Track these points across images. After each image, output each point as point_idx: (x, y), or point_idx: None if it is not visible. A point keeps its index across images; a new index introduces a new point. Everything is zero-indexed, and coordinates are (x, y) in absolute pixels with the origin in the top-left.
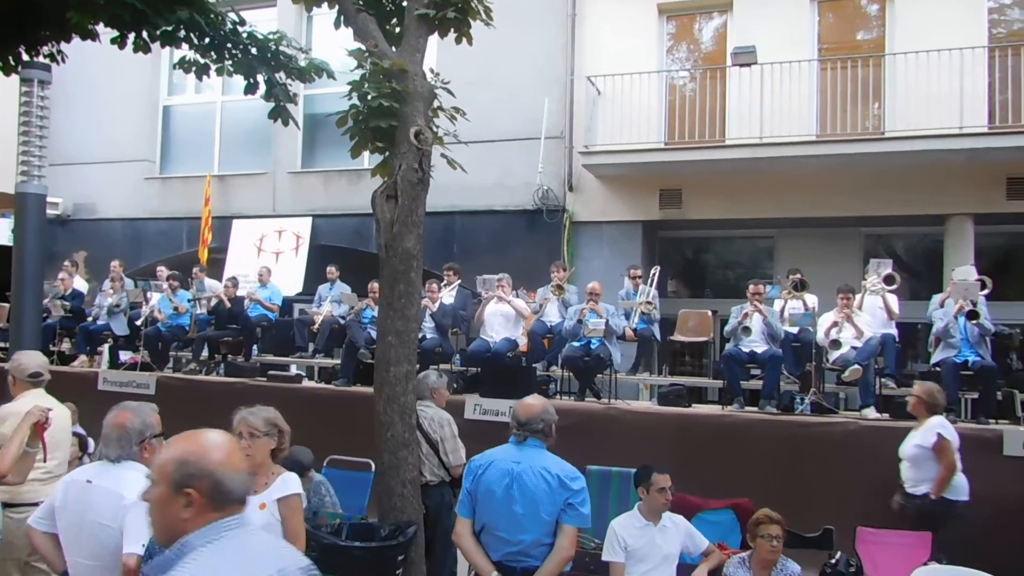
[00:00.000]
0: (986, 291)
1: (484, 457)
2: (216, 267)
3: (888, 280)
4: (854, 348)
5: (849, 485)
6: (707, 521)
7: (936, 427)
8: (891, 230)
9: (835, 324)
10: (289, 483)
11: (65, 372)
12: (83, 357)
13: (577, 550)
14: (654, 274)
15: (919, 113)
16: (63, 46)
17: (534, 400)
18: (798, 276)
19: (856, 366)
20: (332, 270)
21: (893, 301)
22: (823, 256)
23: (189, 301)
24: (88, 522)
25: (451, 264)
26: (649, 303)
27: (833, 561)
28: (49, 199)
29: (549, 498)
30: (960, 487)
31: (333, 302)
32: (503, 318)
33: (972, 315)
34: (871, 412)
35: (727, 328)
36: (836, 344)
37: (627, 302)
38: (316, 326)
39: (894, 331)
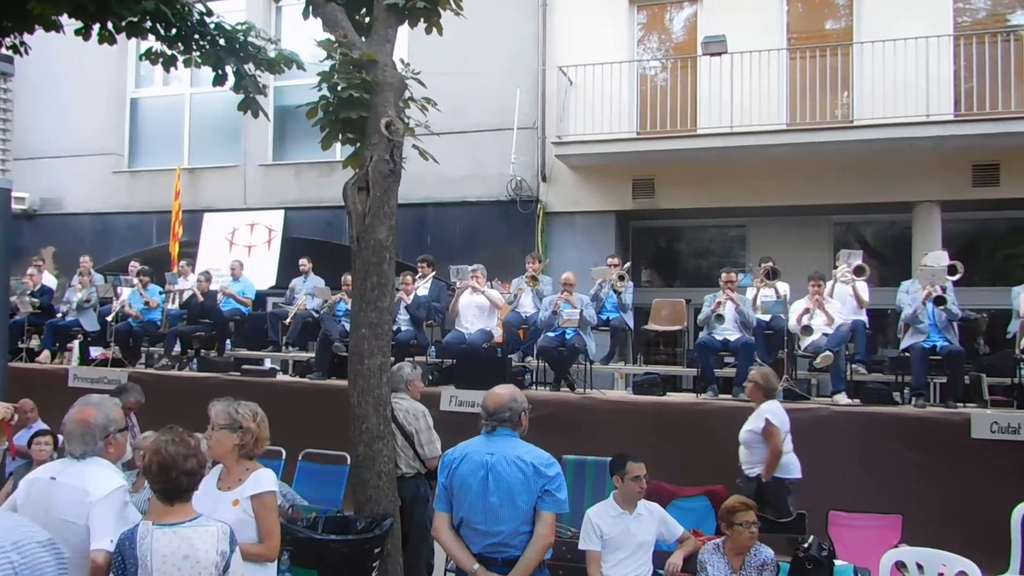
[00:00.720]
0: (957, 276)
1: (458, 450)
2: (186, 259)
3: (858, 271)
4: (825, 335)
5: (821, 470)
6: (682, 508)
7: (765, 412)
8: (860, 217)
9: (806, 311)
10: (263, 480)
11: (34, 369)
12: (46, 353)
13: (554, 538)
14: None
15: (887, 101)
16: (26, 37)
17: (502, 389)
18: (770, 264)
19: (827, 352)
20: (305, 263)
21: (863, 289)
22: (794, 244)
23: (160, 294)
24: (52, 519)
25: (425, 256)
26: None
27: (806, 545)
28: (15, 194)
29: (525, 487)
30: (791, 466)
31: (306, 295)
32: (477, 309)
33: (939, 301)
34: (842, 398)
35: (700, 316)
36: (808, 331)
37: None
38: (289, 319)
39: (864, 318)
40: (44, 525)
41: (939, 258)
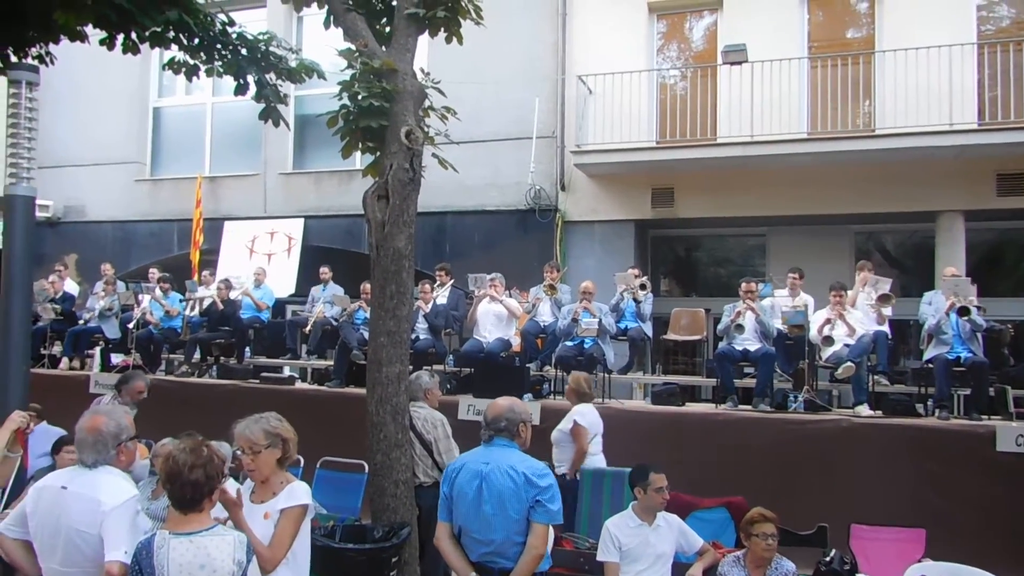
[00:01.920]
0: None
1: (459, 460)
2: (208, 269)
3: (883, 299)
4: (847, 345)
5: (843, 482)
6: (701, 520)
7: (575, 414)
8: (882, 227)
9: (827, 321)
10: (296, 493)
11: (56, 375)
12: (66, 360)
13: (572, 550)
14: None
15: (909, 110)
16: (51, 47)
17: (502, 400)
18: (799, 283)
19: (849, 363)
20: (325, 271)
21: (886, 311)
22: (815, 253)
23: (181, 303)
24: (64, 528)
25: (443, 264)
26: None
27: (828, 559)
28: (39, 201)
29: (516, 496)
30: (596, 466)
31: (325, 303)
32: (496, 318)
33: (963, 311)
34: (864, 409)
35: (720, 326)
36: (829, 341)
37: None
38: (308, 327)
39: (886, 328)
40: (56, 534)
41: (962, 287)
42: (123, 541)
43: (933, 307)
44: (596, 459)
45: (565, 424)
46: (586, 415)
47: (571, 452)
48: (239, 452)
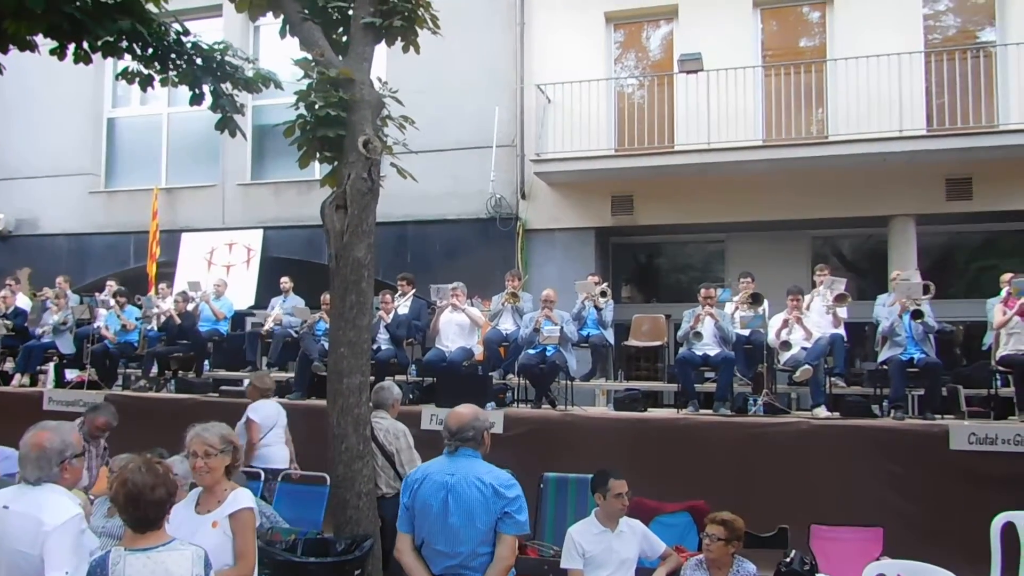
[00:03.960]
0: (929, 295)
1: (420, 471)
2: (165, 281)
3: (839, 299)
4: (804, 349)
5: (802, 483)
6: (664, 524)
7: (249, 410)
8: (838, 232)
9: (785, 324)
10: (240, 498)
11: (8, 392)
12: (18, 376)
13: (536, 558)
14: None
15: (861, 117)
16: (1, 57)
17: (464, 409)
18: (749, 280)
19: (806, 366)
20: (285, 281)
21: (842, 312)
22: (773, 258)
23: (137, 319)
24: (5, 549)
25: (404, 274)
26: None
27: (788, 559)
28: None
29: (484, 508)
30: (270, 457)
31: (285, 314)
32: (458, 327)
33: (917, 314)
34: (822, 411)
35: (680, 332)
36: (787, 345)
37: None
38: (266, 328)
39: (842, 331)
40: None
41: (911, 276)
42: (65, 561)
43: (887, 309)
44: (268, 451)
45: (242, 419)
46: (259, 410)
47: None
48: (190, 456)
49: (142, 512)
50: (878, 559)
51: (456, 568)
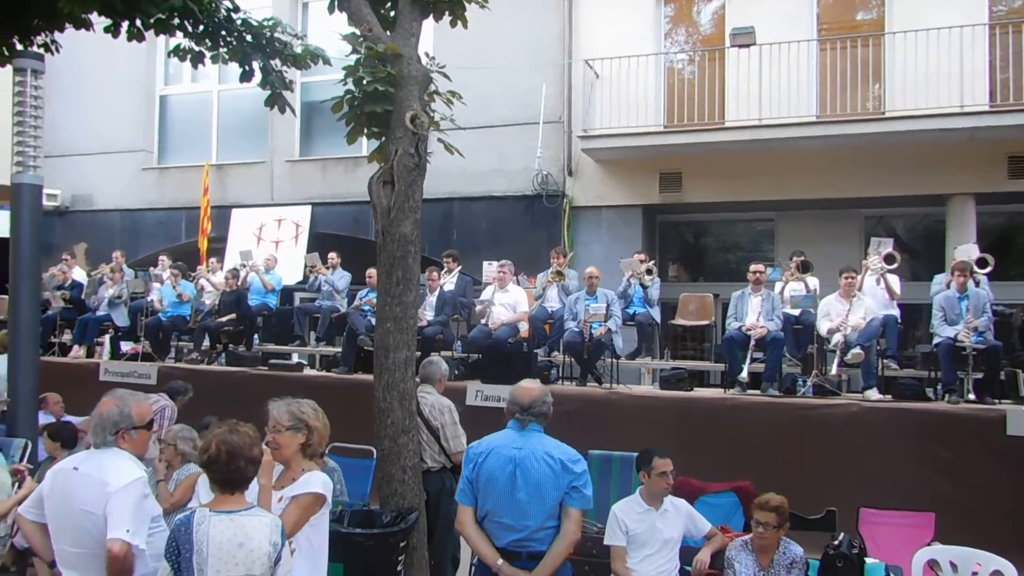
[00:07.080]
0: (988, 269)
1: (483, 444)
2: (216, 256)
3: (888, 259)
4: (854, 330)
5: (852, 466)
6: (709, 504)
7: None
8: (892, 211)
9: (837, 328)
10: (310, 482)
11: (66, 363)
12: (76, 348)
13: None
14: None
15: (919, 92)
16: (56, 36)
17: (531, 384)
18: (802, 258)
19: (858, 349)
20: (333, 256)
21: (894, 281)
22: (824, 238)
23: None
24: (73, 510)
25: (450, 251)
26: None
27: (836, 542)
28: (47, 191)
29: (553, 483)
30: None
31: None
32: (503, 308)
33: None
34: (873, 393)
35: (729, 313)
36: (836, 334)
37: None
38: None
39: (896, 312)
40: (67, 516)
41: (969, 251)
42: (126, 521)
43: (944, 289)
44: None
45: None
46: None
47: None
48: (267, 428)
49: (242, 470)
50: (929, 544)
51: (522, 542)
